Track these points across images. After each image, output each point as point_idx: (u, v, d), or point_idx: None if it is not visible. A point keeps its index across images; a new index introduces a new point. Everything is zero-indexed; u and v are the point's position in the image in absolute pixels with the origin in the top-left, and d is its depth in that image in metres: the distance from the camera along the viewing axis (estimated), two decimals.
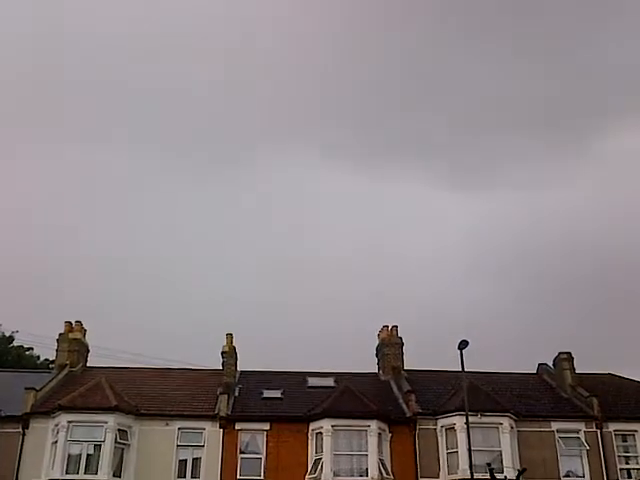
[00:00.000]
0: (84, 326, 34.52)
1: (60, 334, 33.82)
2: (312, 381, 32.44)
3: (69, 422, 27.12)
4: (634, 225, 68.93)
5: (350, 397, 29.21)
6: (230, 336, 33.07)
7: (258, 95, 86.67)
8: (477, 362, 28.22)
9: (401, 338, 34.31)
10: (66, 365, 32.83)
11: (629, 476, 29.11)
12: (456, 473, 27.53)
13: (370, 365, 34.97)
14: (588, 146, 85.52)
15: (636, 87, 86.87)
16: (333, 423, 27.82)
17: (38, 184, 77.01)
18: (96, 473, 26.48)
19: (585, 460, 28.90)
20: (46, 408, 28.20)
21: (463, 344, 25.19)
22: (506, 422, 28.23)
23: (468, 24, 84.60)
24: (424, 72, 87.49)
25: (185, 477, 27.72)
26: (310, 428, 28.33)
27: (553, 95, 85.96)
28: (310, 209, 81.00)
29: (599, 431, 29.35)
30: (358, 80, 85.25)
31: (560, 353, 33.33)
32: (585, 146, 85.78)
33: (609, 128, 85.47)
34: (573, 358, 32.96)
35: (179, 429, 28.31)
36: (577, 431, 29.33)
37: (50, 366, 41.26)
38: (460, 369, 25.46)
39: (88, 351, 34.73)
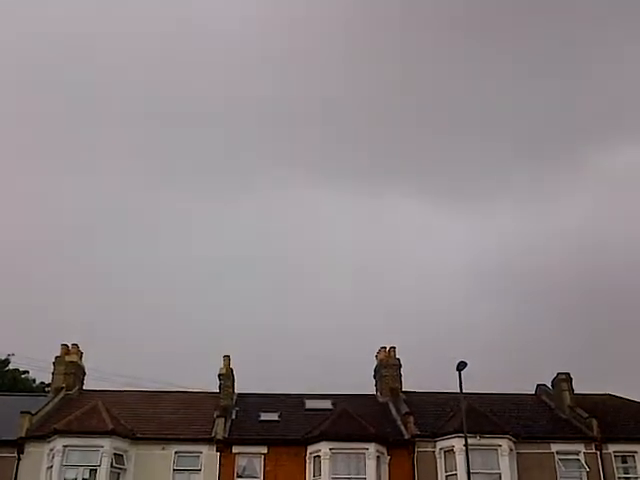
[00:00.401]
0: (80, 349, 34.34)
1: (56, 357, 33.69)
2: (310, 403, 32.25)
3: (65, 446, 26.84)
4: (635, 241, 68.76)
5: (348, 420, 29.00)
6: (227, 358, 32.90)
7: (260, 120, 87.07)
8: (476, 383, 28.18)
9: (399, 359, 34.20)
10: (62, 388, 32.65)
11: None
12: None
13: (368, 387, 34.89)
14: (588, 162, 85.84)
15: (633, 103, 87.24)
16: (331, 446, 27.59)
17: (37, 205, 76.94)
18: None
19: None
20: (42, 432, 27.94)
21: (461, 365, 25.12)
22: (505, 444, 28.02)
23: (468, 41, 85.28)
24: (423, 90, 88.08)
25: None
26: (308, 451, 28.10)
27: (550, 111, 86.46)
28: (309, 229, 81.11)
29: (599, 452, 29.13)
30: (358, 102, 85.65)
31: (559, 374, 33.20)
32: (585, 162, 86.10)
33: (609, 143, 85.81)
34: (572, 379, 32.83)
35: (176, 453, 28.06)
36: (577, 453, 29.10)
37: (46, 389, 40.99)
38: (458, 390, 25.36)
39: (84, 374, 34.54)
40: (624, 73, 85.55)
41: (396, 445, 28.62)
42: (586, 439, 29.44)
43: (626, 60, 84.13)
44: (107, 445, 26.96)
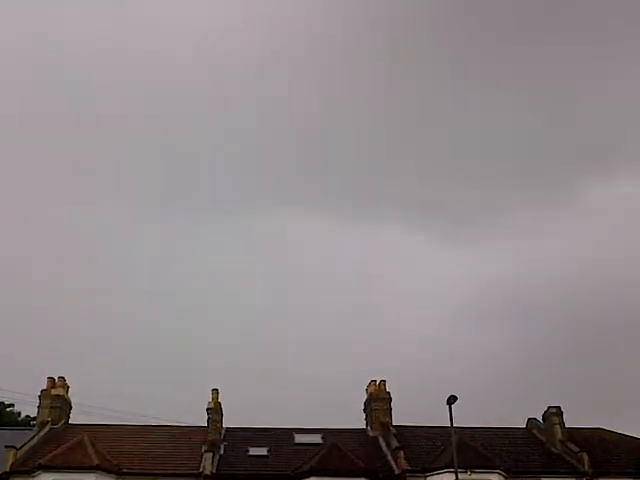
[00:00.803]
0: (67, 382, 33.96)
1: (42, 390, 33.26)
2: (299, 438, 31.87)
3: None
4: (622, 272, 69.00)
5: (338, 454, 28.65)
6: (216, 392, 32.58)
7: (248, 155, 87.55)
8: (466, 416, 27.98)
9: (389, 393, 33.97)
10: (48, 422, 32.18)
11: None
12: None
13: (358, 421, 34.57)
14: (575, 194, 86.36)
15: (621, 136, 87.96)
16: None
17: (25, 231, 76.50)
18: None
19: None
20: (26, 467, 27.48)
21: (452, 399, 24.94)
22: (496, 479, 27.75)
23: (468, 73, 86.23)
24: (410, 127, 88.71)
25: None
26: None
27: (539, 144, 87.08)
28: (295, 260, 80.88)
29: None
30: (357, 132, 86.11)
31: (549, 407, 33.05)
32: (572, 194, 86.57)
33: (597, 176, 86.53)
34: (562, 412, 32.68)
35: None
36: None
37: (31, 423, 40.44)
38: (449, 424, 25.16)
39: (70, 408, 34.07)
40: (624, 106, 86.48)
41: None
42: (577, 474, 29.21)
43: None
44: None
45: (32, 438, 30.36)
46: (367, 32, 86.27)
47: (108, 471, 27.22)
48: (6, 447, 28.13)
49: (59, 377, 33.87)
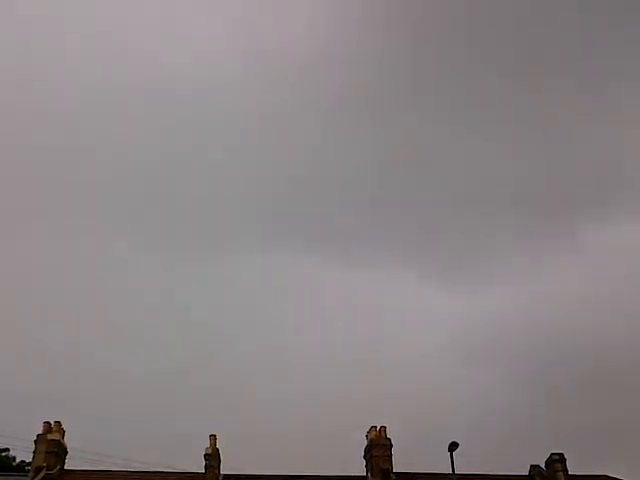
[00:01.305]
0: (63, 427, 33.52)
1: (38, 435, 32.81)
2: None
3: None
4: (617, 316, 68.66)
5: None
6: (214, 437, 32.17)
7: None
8: (468, 462, 27.60)
9: (390, 439, 33.53)
10: (43, 468, 31.66)
11: None
12: None
13: (358, 467, 34.05)
14: (573, 238, 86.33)
15: (618, 181, 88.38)
16: None
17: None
18: None
19: None
20: None
21: (453, 446, 24.71)
22: None
23: (463, 120, 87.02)
24: (410, 172, 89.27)
25: None
26: None
27: (538, 189, 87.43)
28: (290, 301, 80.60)
29: None
30: (363, 170, 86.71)
31: (552, 454, 32.61)
32: (570, 238, 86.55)
33: (594, 220, 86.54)
34: (565, 459, 32.24)
35: None
36: None
37: (26, 468, 39.91)
38: (451, 471, 24.82)
39: (66, 453, 33.54)
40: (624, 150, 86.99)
41: None
42: None
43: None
44: None
45: None
46: (363, 80, 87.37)
47: None
48: None
49: (55, 421, 33.42)
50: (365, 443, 34.33)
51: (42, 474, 31.35)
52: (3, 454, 48.31)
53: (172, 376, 63.19)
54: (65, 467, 32.97)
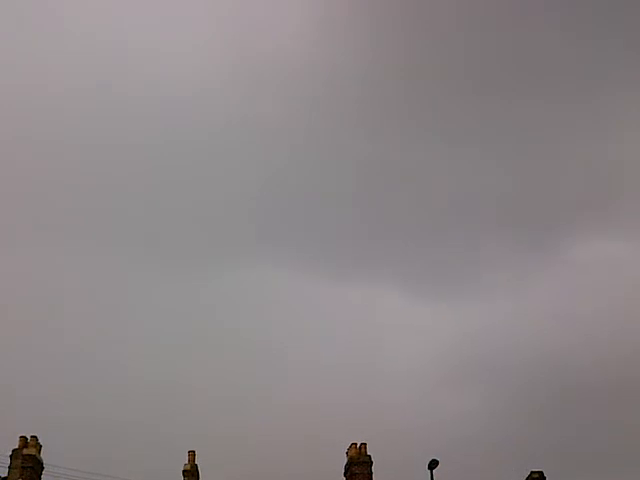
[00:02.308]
0: (40, 441, 33.13)
1: (13, 450, 32.37)
2: None
3: None
4: (602, 333, 68.91)
5: None
6: (192, 453, 31.87)
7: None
8: None
9: (370, 456, 33.34)
10: None
11: None
12: None
13: None
14: (557, 253, 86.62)
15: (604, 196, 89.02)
16: None
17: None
18: None
19: None
20: None
21: (433, 464, 24.66)
22: None
23: (449, 135, 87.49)
24: (398, 186, 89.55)
25: None
26: None
27: (523, 203, 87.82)
28: (278, 316, 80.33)
29: None
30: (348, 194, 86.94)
31: (532, 472, 32.56)
32: (555, 253, 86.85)
33: (582, 234, 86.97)
34: (545, 477, 32.18)
35: None
36: None
37: None
38: None
39: (42, 468, 33.14)
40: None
41: None
42: None
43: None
44: None
45: None
46: (350, 92, 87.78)
47: None
48: None
49: (32, 436, 33.04)
50: (345, 460, 34.15)
51: None
52: None
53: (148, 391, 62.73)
54: None
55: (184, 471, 31.29)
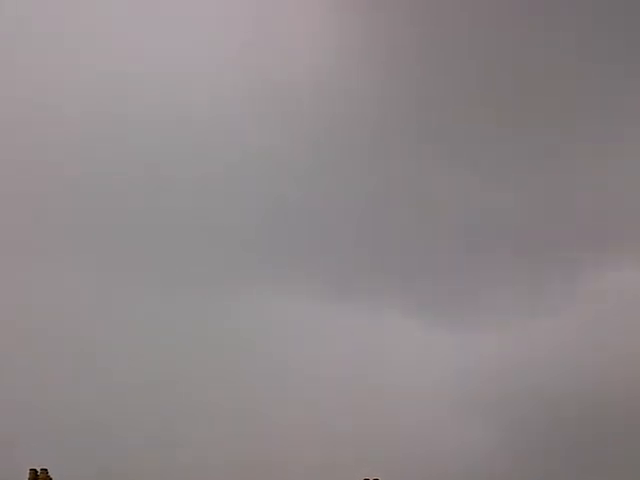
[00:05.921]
0: (49, 474, 33.13)
1: None
2: None
3: None
4: (609, 364, 68.68)
5: None
6: None
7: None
8: None
9: None
10: None
11: None
12: None
13: None
14: (569, 283, 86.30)
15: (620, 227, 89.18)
16: None
17: None
18: None
19: None
20: None
21: None
22: None
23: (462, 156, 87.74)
24: (393, 201, 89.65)
25: None
26: None
27: (539, 227, 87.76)
28: (279, 342, 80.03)
29: None
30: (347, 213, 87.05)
31: None
32: (566, 283, 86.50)
33: (597, 263, 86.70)
34: None
35: None
36: None
37: None
38: None
39: None
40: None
41: None
42: None
43: None
44: None
45: None
46: (364, 116, 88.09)
47: None
48: None
49: (42, 469, 33.04)
50: None
51: None
52: None
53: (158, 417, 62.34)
54: None
55: None
